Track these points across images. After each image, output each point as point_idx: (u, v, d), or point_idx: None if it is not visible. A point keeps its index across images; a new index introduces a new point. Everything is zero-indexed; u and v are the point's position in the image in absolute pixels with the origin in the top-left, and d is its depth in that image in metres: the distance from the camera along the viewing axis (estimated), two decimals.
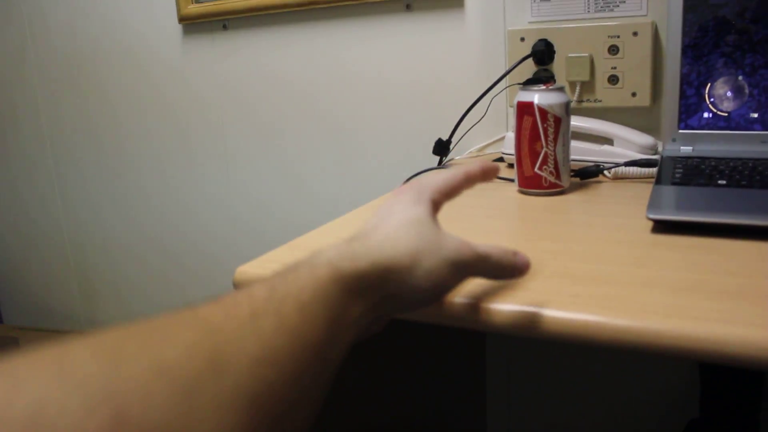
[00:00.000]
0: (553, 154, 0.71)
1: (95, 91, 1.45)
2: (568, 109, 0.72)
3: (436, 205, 0.44)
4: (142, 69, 1.38)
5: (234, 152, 1.34)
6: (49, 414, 0.20)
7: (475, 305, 0.46)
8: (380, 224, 0.40)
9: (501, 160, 0.93)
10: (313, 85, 1.21)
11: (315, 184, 1.27)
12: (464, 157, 1.03)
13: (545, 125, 0.71)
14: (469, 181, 0.46)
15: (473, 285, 0.48)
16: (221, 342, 0.27)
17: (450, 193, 0.45)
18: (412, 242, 0.39)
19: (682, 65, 0.78)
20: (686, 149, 0.79)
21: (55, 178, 1.58)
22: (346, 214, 0.72)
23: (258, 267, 0.56)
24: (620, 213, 0.65)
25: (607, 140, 0.84)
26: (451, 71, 1.08)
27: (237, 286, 0.55)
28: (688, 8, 0.76)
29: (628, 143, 0.82)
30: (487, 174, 0.47)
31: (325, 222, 0.69)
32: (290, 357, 0.29)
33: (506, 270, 0.43)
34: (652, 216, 0.58)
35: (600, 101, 0.94)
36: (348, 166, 1.23)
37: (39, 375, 0.21)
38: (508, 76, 0.95)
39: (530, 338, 0.45)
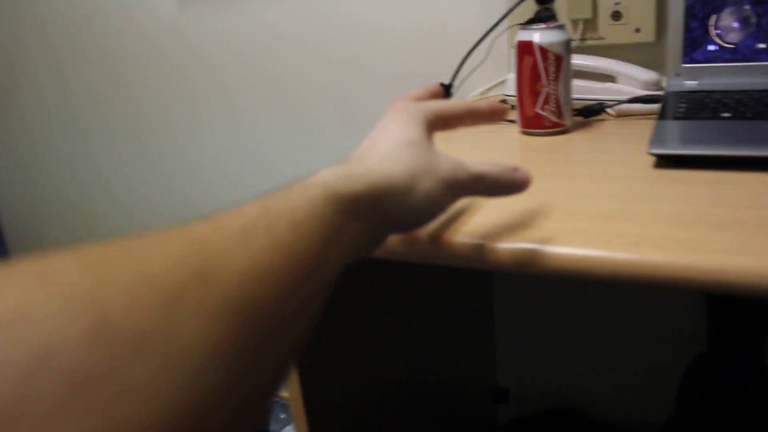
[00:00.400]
0: (554, 93, 0.71)
1: (94, 52, 1.44)
2: (568, 48, 0.71)
3: (431, 127, 0.43)
4: (141, 26, 1.36)
5: (238, 108, 1.33)
6: (29, 317, 0.20)
7: (475, 244, 0.46)
8: (375, 145, 0.40)
9: (504, 102, 0.92)
10: (313, 34, 1.19)
11: (319, 135, 1.27)
12: (467, 100, 1.02)
13: (546, 64, 0.69)
14: (472, 115, 0.46)
15: (473, 225, 0.48)
16: (209, 255, 0.26)
17: (448, 119, 0.45)
18: (408, 163, 0.39)
19: None
20: (691, 84, 0.77)
21: (61, 143, 1.58)
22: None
23: None
24: (622, 150, 0.65)
25: (610, 78, 0.83)
26: (452, 13, 1.06)
27: None
28: None
29: (631, 80, 0.81)
30: (494, 114, 0.47)
31: None
32: (280, 273, 0.29)
33: (504, 188, 0.43)
34: (653, 151, 0.57)
35: (603, 38, 0.92)
36: (352, 115, 1.22)
37: (20, 281, 0.21)
38: (509, 17, 0.93)
39: (536, 276, 0.45)
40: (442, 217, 0.50)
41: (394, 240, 0.47)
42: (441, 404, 0.95)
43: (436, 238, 0.47)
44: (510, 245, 0.45)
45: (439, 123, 0.44)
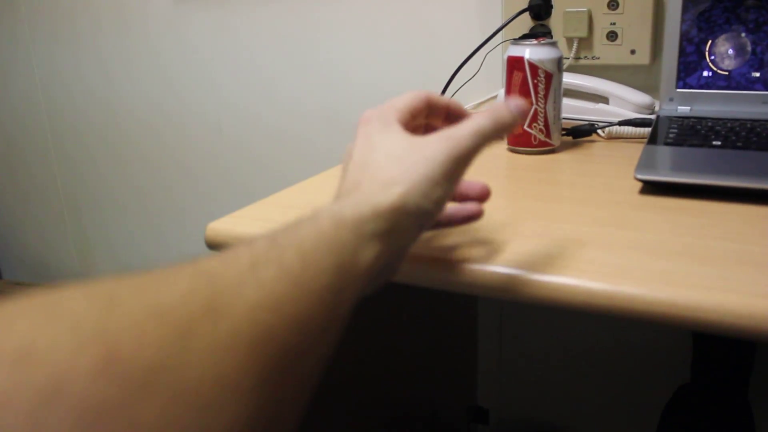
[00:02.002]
0: (543, 111, 0.69)
1: (88, 44, 1.42)
2: (560, 65, 0.69)
3: (405, 122, 0.42)
4: (134, 20, 1.34)
5: (226, 104, 1.31)
6: (39, 350, 0.20)
7: (454, 267, 0.44)
8: (364, 168, 0.39)
9: None
10: (306, 38, 1.18)
11: (305, 138, 1.25)
12: None
13: (535, 81, 0.68)
14: (430, 104, 0.44)
15: (454, 247, 0.47)
16: (219, 288, 0.26)
17: (414, 113, 0.43)
18: (404, 173, 0.37)
19: (683, 21, 0.74)
20: (684, 109, 0.76)
21: (50, 132, 1.56)
22: (328, 170, 0.69)
23: (229, 224, 0.54)
24: (609, 173, 0.63)
25: (603, 99, 0.81)
26: (446, 25, 1.05)
27: (208, 243, 0.54)
28: None
29: (623, 102, 0.79)
30: (451, 105, 0.45)
31: (310, 175, 0.67)
32: (291, 303, 0.28)
33: (507, 126, 0.41)
34: (639, 176, 0.56)
35: (598, 58, 0.90)
36: (338, 121, 1.20)
37: (30, 315, 0.21)
38: (503, 32, 0.91)
39: (513, 301, 0.43)
40: (422, 239, 0.48)
41: None
42: (420, 422, 0.93)
43: (418, 259, 0.45)
44: (487, 269, 0.43)
45: (408, 118, 0.43)
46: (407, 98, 0.43)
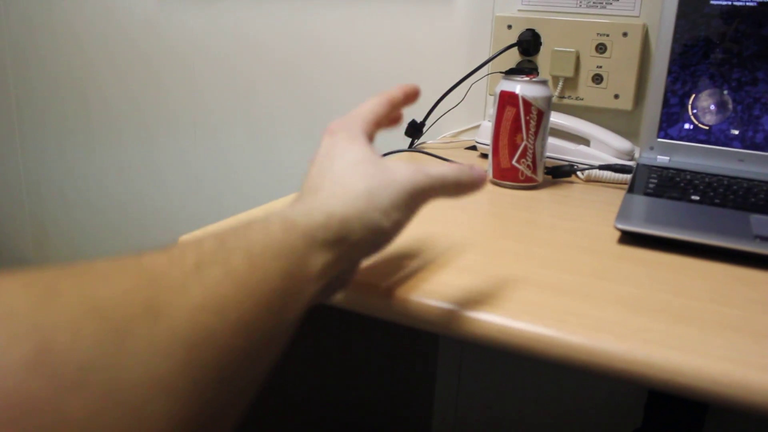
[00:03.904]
0: (532, 147, 0.69)
1: (67, 36, 1.38)
2: (550, 104, 0.69)
3: (370, 137, 0.42)
4: (117, 18, 1.31)
5: (203, 115, 1.29)
6: None
7: (427, 305, 0.43)
8: (325, 173, 0.38)
9: (474, 148, 0.90)
10: (291, 54, 1.16)
11: (282, 156, 1.23)
12: (437, 141, 1.00)
13: (528, 117, 0.68)
14: (393, 106, 0.45)
15: (424, 283, 0.46)
16: (161, 288, 0.25)
17: (379, 122, 0.43)
18: (363, 184, 0.37)
19: (669, 72, 0.75)
20: (663, 159, 0.76)
21: (16, 120, 1.51)
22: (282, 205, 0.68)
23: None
24: (589, 218, 0.63)
25: (584, 140, 0.82)
26: (433, 53, 1.05)
27: None
28: (682, 14, 0.74)
29: (604, 146, 0.80)
30: (408, 96, 0.46)
31: (288, 194, 0.65)
32: (235, 305, 0.27)
33: (465, 186, 0.41)
34: (620, 226, 0.56)
35: (581, 99, 0.91)
36: (314, 142, 1.19)
37: None
38: (490, 64, 0.91)
39: (480, 345, 0.42)
40: (397, 273, 0.47)
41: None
42: None
43: (386, 292, 0.44)
44: (458, 310, 0.42)
45: (373, 129, 0.43)
46: (372, 107, 0.43)
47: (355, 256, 0.37)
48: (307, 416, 0.71)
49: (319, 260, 0.33)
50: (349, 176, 0.37)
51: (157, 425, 0.23)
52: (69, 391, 0.20)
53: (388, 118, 0.45)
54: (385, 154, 0.88)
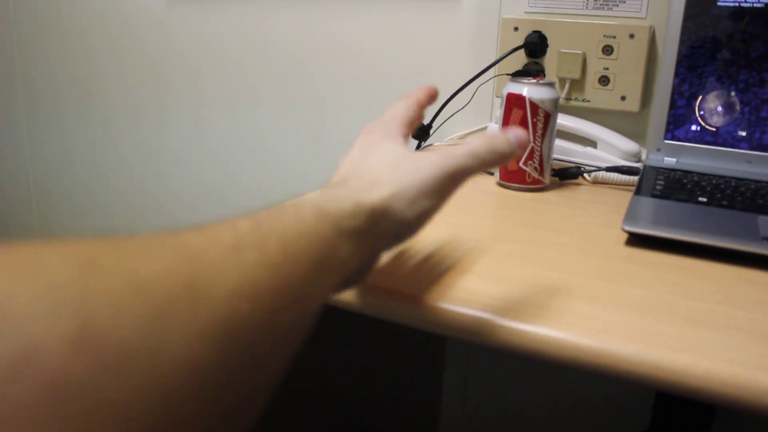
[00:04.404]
0: (539, 150, 0.69)
1: (76, 37, 1.39)
2: (557, 106, 0.70)
3: (405, 137, 0.43)
4: (125, 18, 1.32)
5: (210, 116, 1.29)
6: (14, 312, 0.19)
7: (436, 307, 0.43)
8: (358, 166, 0.39)
9: None
10: (298, 56, 1.17)
11: (288, 157, 1.24)
12: (444, 143, 1.00)
13: (535, 120, 0.68)
14: (420, 105, 0.46)
15: (432, 286, 0.46)
16: (200, 268, 0.25)
17: (411, 123, 0.45)
18: (391, 175, 0.38)
19: (676, 74, 0.75)
20: (670, 161, 0.77)
21: (24, 116, 1.52)
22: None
23: None
24: (596, 221, 0.63)
25: (591, 142, 0.82)
26: (440, 54, 1.05)
27: None
28: (689, 16, 0.74)
29: (611, 148, 0.80)
30: (431, 95, 0.48)
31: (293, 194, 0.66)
32: (269, 292, 0.27)
33: (501, 155, 0.41)
34: (627, 228, 0.56)
35: (588, 101, 0.91)
36: (322, 142, 1.19)
37: (9, 270, 0.20)
38: (497, 66, 0.92)
39: (490, 348, 0.43)
40: (405, 275, 0.48)
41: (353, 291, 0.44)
42: None
43: (396, 296, 0.44)
44: (467, 311, 0.43)
45: (408, 131, 0.44)
46: (404, 110, 0.45)
47: (377, 248, 0.37)
48: (313, 416, 0.71)
49: (344, 250, 0.33)
50: (379, 170, 0.38)
51: (192, 410, 0.22)
52: (110, 373, 0.20)
53: (418, 119, 0.46)
54: None
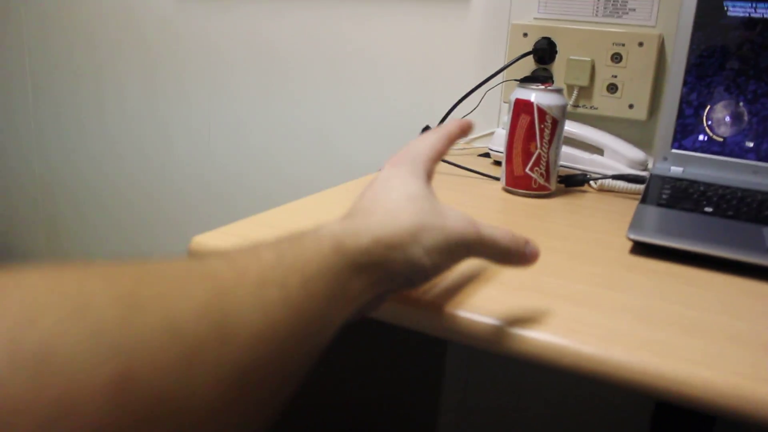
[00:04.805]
0: (546, 156, 0.69)
1: (84, 35, 1.40)
2: (564, 113, 0.70)
3: (430, 176, 0.43)
4: (133, 17, 1.32)
5: (216, 117, 1.30)
6: (59, 355, 0.19)
7: (438, 311, 0.43)
8: (379, 199, 0.39)
9: (487, 155, 0.91)
10: (304, 58, 1.17)
11: (291, 162, 1.24)
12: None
13: (542, 126, 0.68)
14: (451, 141, 0.46)
15: (437, 290, 0.46)
16: (229, 307, 0.26)
17: (438, 159, 0.45)
18: (414, 218, 0.37)
19: (685, 83, 0.75)
20: (676, 170, 0.76)
21: (32, 115, 1.53)
22: (319, 193, 0.69)
23: (216, 238, 0.53)
24: (601, 228, 0.63)
25: (598, 150, 0.82)
26: (448, 58, 1.05)
27: (191, 256, 0.52)
28: (699, 25, 0.74)
29: (618, 156, 0.80)
30: (464, 131, 0.47)
31: (295, 198, 0.66)
32: (289, 334, 0.28)
33: (513, 257, 0.41)
34: (632, 236, 0.56)
35: (596, 108, 0.91)
36: (327, 146, 1.20)
37: (57, 307, 0.20)
38: (505, 71, 0.92)
39: (493, 353, 0.43)
40: None
41: None
42: None
43: (399, 299, 0.44)
44: (469, 316, 0.43)
45: (434, 167, 0.44)
46: (433, 145, 0.44)
47: (390, 285, 0.37)
48: (310, 415, 0.71)
49: (357, 283, 0.34)
50: (402, 208, 0.38)
51: None
52: (144, 423, 0.20)
53: (445, 153, 0.46)
54: None
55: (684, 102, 0.76)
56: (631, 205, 0.72)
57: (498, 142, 0.85)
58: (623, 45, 0.88)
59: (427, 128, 0.92)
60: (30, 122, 1.54)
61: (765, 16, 0.72)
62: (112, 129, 1.43)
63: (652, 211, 0.62)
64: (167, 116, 1.36)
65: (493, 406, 1.13)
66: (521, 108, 0.69)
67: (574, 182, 0.76)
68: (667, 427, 0.93)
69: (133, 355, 0.21)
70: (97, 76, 1.41)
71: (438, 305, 0.44)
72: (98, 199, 1.51)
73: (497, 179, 0.76)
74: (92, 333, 0.20)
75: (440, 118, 0.92)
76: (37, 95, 1.51)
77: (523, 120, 0.69)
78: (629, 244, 0.58)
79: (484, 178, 0.79)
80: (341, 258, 0.33)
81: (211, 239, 0.53)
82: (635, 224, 0.58)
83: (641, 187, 0.75)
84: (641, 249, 0.56)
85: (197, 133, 1.33)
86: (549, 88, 0.69)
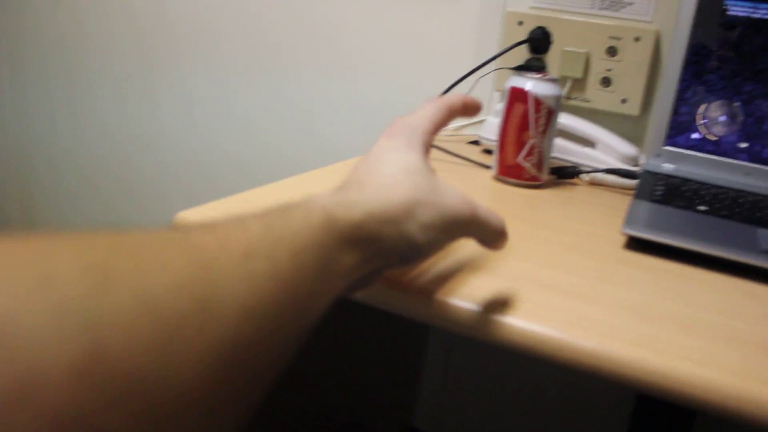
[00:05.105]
0: (539, 146, 0.68)
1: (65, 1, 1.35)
2: (559, 103, 0.68)
3: (427, 149, 0.41)
4: None
5: (199, 92, 1.26)
6: (18, 328, 0.17)
7: (429, 298, 0.42)
8: (373, 171, 0.37)
9: (476, 143, 0.89)
10: (294, 36, 1.14)
11: (277, 139, 1.21)
12: (440, 134, 0.98)
13: (537, 115, 0.67)
14: (451, 114, 0.43)
15: (427, 276, 0.44)
16: (212, 280, 0.24)
17: (436, 130, 0.42)
18: (409, 192, 0.36)
19: (681, 80, 0.75)
20: (668, 167, 0.76)
21: (9, 79, 1.48)
22: (308, 172, 0.66)
23: (200, 214, 0.51)
24: (594, 221, 0.62)
25: (589, 143, 0.81)
26: (441, 45, 1.03)
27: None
28: (698, 23, 0.73)
29: (610, 150, 0.79)
30: (468, 109, 0.44)
31: (281, 177, 0.64)
32: (276, 309, 0.26)
33: (498, 241, 0.40)
34: (628, 231, 0.55)
35: (588, 101, 0.90)
36: (316, 126, 1.17)
37: (19, 277, 0.18)
38: (498, 59, 0.90)
39: (488, 343, 0.41)
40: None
41: None
42: None
43: (386, 282, 0.43)
44: (463, 305, 0.41)
45: (431, 140, 0.42)
46: (432, 116, 0.42)
47: (382, 263, 0.35)
48: (286, 396, 0.70)
49: (348, 259, 0.32)
50: (397, 182, 0.36)
51: (189, 428, 0.22)
52: (115, 405, 0.19)
53: (445, 126, 0.43)
54: None
55: (679, 99, 0.75)
56: (621, 200, 0.71)
57: (489, 130, 0.84)
58: (619, 39, 0.87)
59: None
60: (6, 87, 1.49)
61: (765, 17, 0.71)
62: (96, 95, 1.39)
63: (647, 207, 0.61)
64: (153, 85, 1.32)
65: (474, 390, 1.13)
66: (516, 96, 0.68)
67: (565, 174, 0.75)
68: (647, 419, 0.93)
69: (103, 332, 0.19)
70: (83, 42, 1.37)
71: (428, 292, 0.42)
72: (77, 167, 1.47)
73: (488, 167, 0.75)
74: (57, 307, 0.18)
75: None
76: (16, 58, 1.45)
77: (518, 109, 0.68)
78: (623, 239, 0.57)
79: (475, 165, 0.77)
80: (332, 231, 0.31)
81: (195, 215, 0.51)
82: (630, 219, 0.57)
83: (632, 182, 0.74)
84: (635, 244, 0.56)
85: (183, 104, 1.29)
86: (545, 77, 0.68)
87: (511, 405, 1.10)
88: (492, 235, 0.40)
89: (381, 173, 0.37)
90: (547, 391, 1.07)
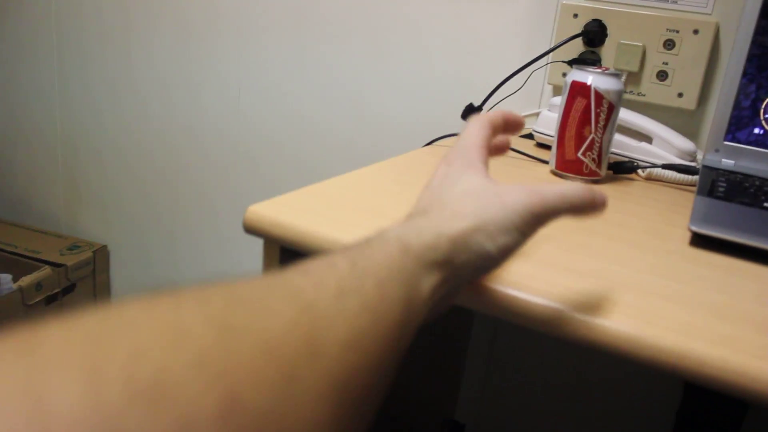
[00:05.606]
0: (599, 141, 0.67)
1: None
2: (620, 98, 0.68)
3: (485, 163, 0.42)
4: None
5: (245, 80, 1.28)
6: (169, 385, 0.19)
7: (492, 290, 0.42)
8: (438, 197, 0.39)
9: (530, 136, 0.89)
10: (344, 21, 1.15)
11: (326, 125, 1.22)
12: None
13: (598, 110, 0.66)
14: (495, 131, 0.44)
15: (506, 274, 0.45)
16: (314, 321, 0.26)
17: (486, 144, 0.43)
18: (472, 207, 0.37)
19: (744, 74, 0.73)
20: (728, 162, 0.75)
21: (57, 72, 1.51)
22: (367, 167, 0.67)
23: (271, 209, 0.52)
24: (655, 217, 0.61)
25: (646, 137, 0.80)
26: (494, 37, 1.03)
27: (247, 226, 0.51)
28: (765, 14, 0.71)
29: (667, 145, 0.78)
30: (509, 125, 0.45)
31: (336, 166, 0.64)
32: (373, 340, 0.28)
33: (587, 207, 0.40)
34: (696, 229, 0.54)
35: (644, 95, 0.89)
36: (364, 112, 1.18)
37: (159, 341, 0.20)
38: (552, 53, 0.90)
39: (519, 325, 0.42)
40: None
41: None
42: (391, 426, 0.91)
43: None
44: (534, 299, 0.42)
45: (487, 155, 0.43)
46: (479, 133, 0.43)
47: (460, 279, 0.36)
48: None
49: (428, 282, 0.34)
50: (460, 201, 0.38)
51: None
52: None
53: (494, 144, 0.45)
54: (440, 138, 0.87)
55: (742, 93, 0.74)
56: (680, 196, 0.70)
57: (543, 124, 0.83)
58: (677, 32, 0.85)
59: (470, 106, 0.90)
60: (54, 76, 1.52)
61: None
62: (139, 86, 1.42)
63: (711, 204, 0.61)
64: (197, 75, 1.34)
65: (516, 384, 1.13)
66: (578, 90, 0.68)
67: (623, 169, 0.74)
68: (695, 410, 0.92)
69: (236, 377, 0.21)
70: (126, 32, 1.39)
71: (508, 290, 0.43)
72: (121, 157, 1.49)
73: (545, 162, 0.75)
74: (197, 360, 0.20)
75: (481, 94, 0.90)
76: (63, 50, 1.48)
77: (579, 103, 0.67)
78: (687, 235, 0.56)
79: (531, 160, 0.77)
80: (409, 257, 0.33)
81: (266, 209, 0.52)
82: (697, 216, 0.56)
83: (691, 178, 0.74)
84: (701, 241, 0.55)
85: (227, 92, 1.31)
86: (607, 71, 0.67)
87: (554, 399, 1.10)
88: (575, 209, 0.39)
89: (443, 197, 0.39)
90: (591, 385, 1.06)
